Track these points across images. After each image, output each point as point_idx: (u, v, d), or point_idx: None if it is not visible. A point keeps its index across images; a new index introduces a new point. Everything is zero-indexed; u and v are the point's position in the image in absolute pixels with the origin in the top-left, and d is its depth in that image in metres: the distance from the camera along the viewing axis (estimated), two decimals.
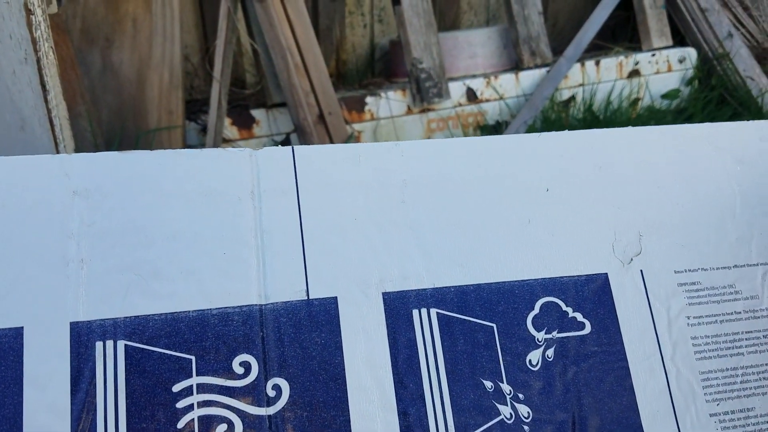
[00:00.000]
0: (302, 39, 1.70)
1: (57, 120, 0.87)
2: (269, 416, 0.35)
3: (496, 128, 1.95)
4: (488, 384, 0.38)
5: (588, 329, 0.40)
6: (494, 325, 0.39)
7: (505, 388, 0.38)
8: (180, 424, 0.34)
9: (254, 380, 0.36)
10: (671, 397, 0.39)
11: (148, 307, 0.36)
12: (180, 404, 0.35)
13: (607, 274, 0.41)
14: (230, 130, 1.78)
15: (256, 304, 0.37)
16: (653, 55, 2.12)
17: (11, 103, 1.13)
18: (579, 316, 0.40)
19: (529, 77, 1.96)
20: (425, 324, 0.39)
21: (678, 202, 0.42)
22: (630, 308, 0.40)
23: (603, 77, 2.11)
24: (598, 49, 2.13)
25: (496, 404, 0.38)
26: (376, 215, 0.40)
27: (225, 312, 0.37)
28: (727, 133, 0.44)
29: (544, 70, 1.97)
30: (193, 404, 0.35)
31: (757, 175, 0.41)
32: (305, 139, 1.77)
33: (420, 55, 1.82)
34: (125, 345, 0.35)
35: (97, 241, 0.36)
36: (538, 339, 0.39)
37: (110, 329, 0.35)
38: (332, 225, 0.40)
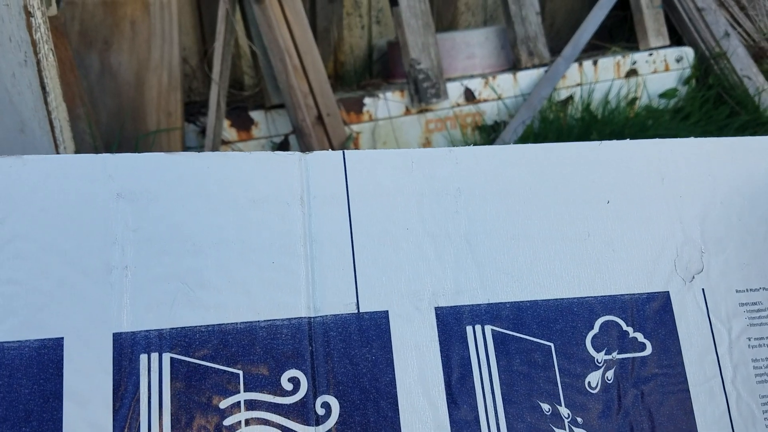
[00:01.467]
0: (300, 40, 1.70)
1: (57, 122, 0.87)
2: None
3: (495, 128, 1.95)
4: (545, 407, 0.36)
5: (649, 350, 0.38)
6: (552, 345, 0.37)
7: (563, 411, 0.36)
8: None
9: (303, 397, 0.34)
10: (731, 421, 0.37)
11: (194, 318, 0.34)
12: (227, 421, 0.33)
13: (668, 292, 0.39)
14: (229, 132, 1.78)
15: (305, 317, 0.35)
16: (650, 54, 2.13)
17: (11, 106, 1.14)
18: (640, 337, 0.38)
19: (527, 77, 1.97)
20: (479, 341, 0.37)
21: (740, 218, 0.40)
22: (691, 329, 0.38)
23: (601, 77, 2.11)
24: (595, 49, 2.14)
25: (554, 428, 0.36)
26: (429, 225, 0.38)
27: (273, 324, 0.35)
28: None
29: (542, 70, 1.97)
30: (240, 422, 0.33)
31: None
32: (304, 141, 1.77)
33: (418, 55, 1.83)
34: (171, 358, 0.33)
35: (143, 248, 0.35)
36: (597, 360, 0.38)
37: (155, 341, 0.33)
38: (383, 235, 0.38)
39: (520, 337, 0.37)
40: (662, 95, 2.21)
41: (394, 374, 0.35)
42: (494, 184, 0.39)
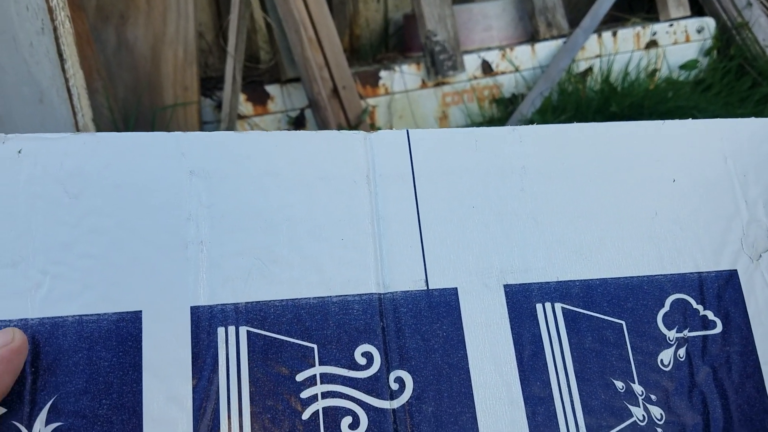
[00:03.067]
0: (316, 13, 1.69)
1: (75, 89, 0.87)
2: (393, 410, 0.34)
3: (512, 101, 1.93)
4: (619, 384, 0.36)
5: (719, 328, 0.38)
6: (623, 323, 0.37)
7: (637, 388, 0.36)
8: (305, 416, 0.33)
9: (377, 372, 0.34)
10: None
11: (269, 292, 0.35)
12: (304, 394, 0.34)
13: (736, 270, 0.39)
14: (245, 106, 1.78)
15: (375, 293, 0.36)
16: (671, 25, 2.09)
17: (29, 76, 1.14)
18: (710, 315, 0.38)
19: (545, 49, 1.94)
20: (550, 319, 0.37)
21: None
22: (760, 306, 0.39)
23: (620, 48, 2.08)
24: (614, 20, 2.11)
25: (628, 405, 0.36)
26: (495, 203, 0.38)
27: (345, 300, 0.35)
28: None
29: (560, 42, 1.95)
30: (317, 395, 0.34)
31: None
32: (320, 114, 1.77)
33: (434, 27, 1.81)
34: (247, 331, 0.34)
35: (216, 224, 0.35)
36: (669, 338, 0.38)
37: (232, 315, 0.34)
38: (450, 213, 0.38)
39: (591, 315, 0.37)
40: (683, 66, 2.18)
41: (466, 350, 0.35)
42: (559, 163, 0.39)
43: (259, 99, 1.80)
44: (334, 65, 1.74)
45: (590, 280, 0.38)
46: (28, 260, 0.32)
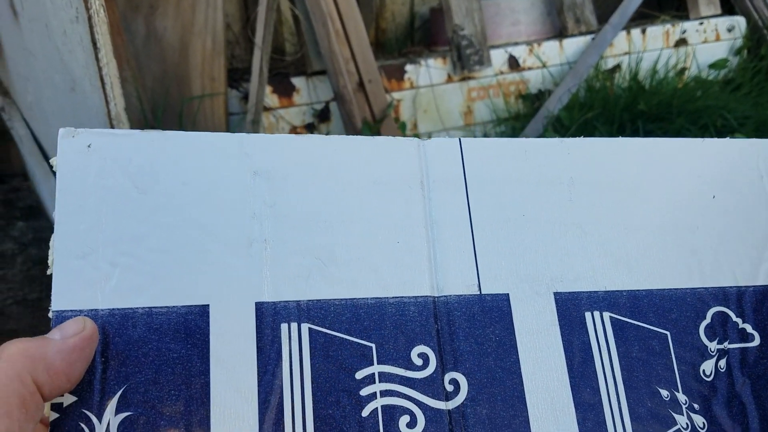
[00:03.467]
0: (343, 6, 1.69)
1: (108, 78, 0.88)
2: (449, 411, 0.35)
3: (539, 97, 1.92)
4: (664, 393, 0.37)
5: (757, 341, 0.39)
6: (668, 333, 0.39)
7: (681, 397, 0.37)
8: (365, 413, 0.34)
9: (432, 373, 0.35)
10: None
11: (329, 291, 0.35)
12: (363, 392, 0.34)
13: None
14: (271, 98, 1.79)
15: (429, 296, 0.37)
16: (701, 23, 2.06)
17: (61, 64, 1.15)
18: (748, 328, 0.40)
19: (573, 45, 1.93)
20: (599, 328, 0.38)
21: None
22: None
23: (649, 46, 2.05)
24: (644, 17, 2.08)
25: (673, 414, 0.37)
26: (544, 213, 0.40)
27: (401, 301, 0.36)
28: None
29: (588, 38, 1.93)
30: (376, 393, 0.34)
31: None
32: (345, 107, 1.77)
33: (461, 21, 1.80)
34: (309, 328, 0.35)
35: (279, 223, 0.36)
36: (710, 349, 0.39)
37: (294, 311, 0.35)
38: (501, 220, 0.39)
39: (638, 325, 0.38)
40: (712, 66, 2.15)
41: (518, 355, 0.36)
42: (605, 175, 0.41)
43: (285, 91, 1.81)
44: (360, 58, 1.74)
45: (637, 290, 0.39)
46: (98, 252, 0.33)
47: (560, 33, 1.95)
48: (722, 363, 0.39)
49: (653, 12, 2.09)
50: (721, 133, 1.83)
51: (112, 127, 0.92)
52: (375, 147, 0.38)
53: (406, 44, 2.11)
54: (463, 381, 0.35)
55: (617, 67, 1.99)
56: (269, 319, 0.34)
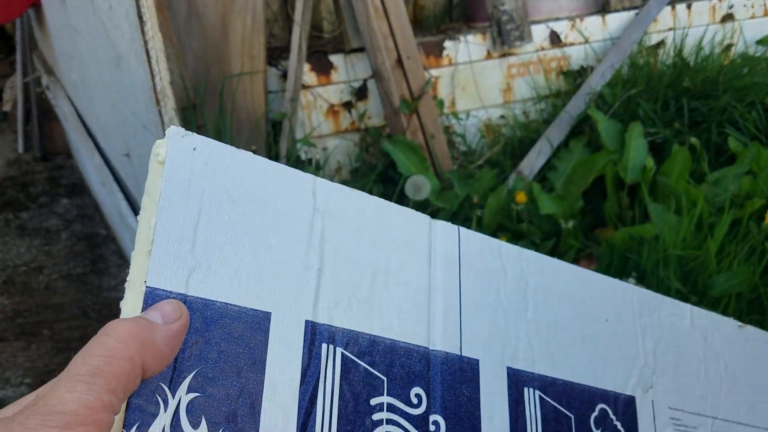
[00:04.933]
0: None
1: (153, 52, 0.89)
2: None
3: (581, 73, 1.89)
4: None
5: None
6: (572, 416, 0.50)
7: None
8: None
9: (423, 412, 0.42)
10: None
11: (359, 325, 0.42)
12: (374, 416, 0.40)
13: (634, 397, 0.54)
14: (309, 76, 1.79)
15: (427, 347, 0.44)
16: None
17: (106, 40, 1.17)
18: (619, 425, 0.52)
19: (616, 20, 1.89)
20: (532, 403, 0.48)
21: (700, 369, 0.60)
22: (644, 427, 0.54)
23: (694, 21, 2.00)
24: None
25: None
26: (507, 302, 0.50)
27: (409, 346, 0.43)
28: None
29: (632, 13, 1.88)
30: (383, 420, 0.40)
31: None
32: (383, 85, 1.76)
33: None
34: (341, 353, 0.40)
35: (330, 257, 0.42)
36: None
37: (332, 335, 0.40)
38: (479, 299, 0.48)
39: (556, 406, 0.49)
40: (760, 42, 2.08)
41: (480, 413, 0.45)
42: (554, 287, 0.54)
43: (323, 69, 1.81)
44: (399, 35, 1.73)
45: (558, 379, 0.50)
46: (195, 241, 0.36)
47: (603, 8, 1.91)
48: None
49: None
50: None
51: (157, 101, 0.93)
52: (403, 217, 0.47)
53: (444, 21, 2.09)
54: (442, 423, 0.43)
55: (661, 42, 1.94)
56: (314, 337, 0.39)
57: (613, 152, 1.67)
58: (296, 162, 1.69)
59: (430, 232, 0.48)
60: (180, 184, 0.37)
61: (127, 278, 0.34)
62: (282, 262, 0.39)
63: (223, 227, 0.37)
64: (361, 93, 1.86)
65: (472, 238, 0.50)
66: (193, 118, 1.50)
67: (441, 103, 1.89)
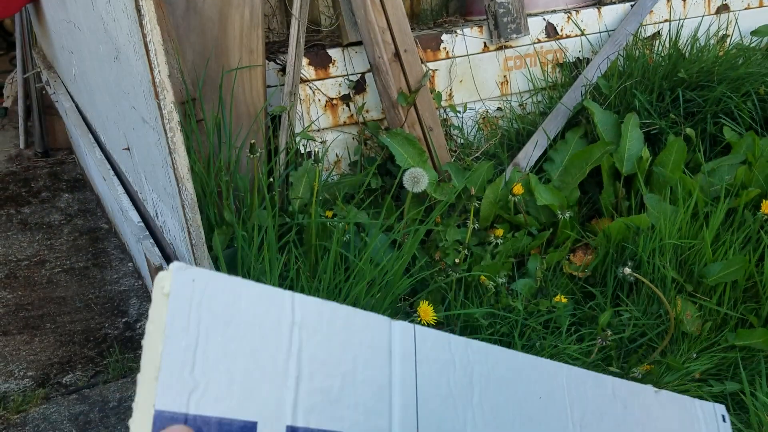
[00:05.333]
0: None
1: (152, 45, 0.90)
2: None
3: (576, 65, 1.90)
4: None
5: None
6: None
7: None
8: None
9: None
10: None
11: (332, 424, 0.48)
12: None
13: None
14: (307, 70, 1.80)
15: None
16: None
17: (105, 34, 1.18)
18: None
19: (612, 12, 1.90)
20: None
21: None
22: None
23: (690, 12, 2.01)
24: None
25: None
26: (459, 391, 0.58)
27: None
28: None
29: (628, 5, 1.89)
30: None
31: None
32: (381, 78, 1.77)
33: None
34: None
35: (307, 365, 0.48)
36: None
37: None
38: (433, 390, 0.56)
39: None
40: (754, 33, 2.09)
41: None
42: (495, 372, 0.62)
43: (321, 63, 1.82)
44: (396, 29, 1.74)
45: None
46: (194, 364, 0.41)
47: (599, 0, 1.92)
48: None
49: None
50: (764, 101, 1.79)
51: (156, 95, 0.94)
52: (368, 320, 0.54)
53: (441, 14, 2.11)
54: None
55: (657, 34, 1.95)
56: None
57: (610, 143, 1.69)
58: (296, 155, 1.70)
59: (390, 331, 0.55)
60: (182, 314, 0.41)
61: (135, 399, 0.39)
62: (267, 373, 0.45)
63: (218, 347, 0.43)
64: (359, 86, 1.87)
65: (426, 334, 0.58)
66: (192, 112, 1.51)
67: (439, 96, 1.90)
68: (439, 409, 0.56)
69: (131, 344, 1.57)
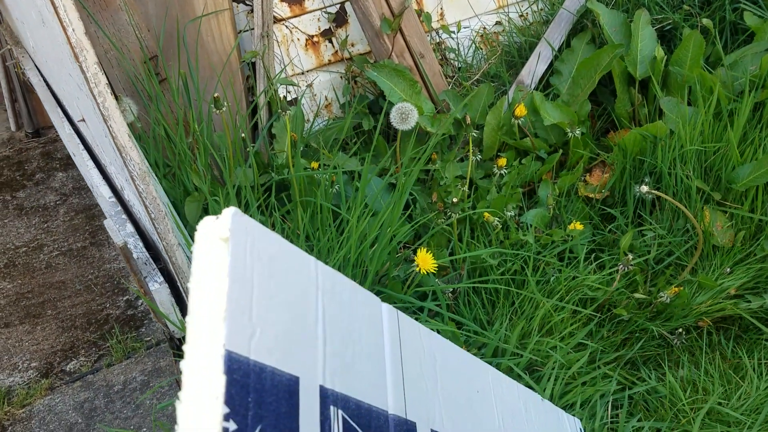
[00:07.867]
0: None
1: (59, 1, 0.78)
2: None
3: None
4: None
5: None
6: None
7: None
8: None
9: None
10: None
11: (347, 389, 0.50)
12: None
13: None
14: (280, 8, 1.65)
15: (387, 411, 0.54)
16: None
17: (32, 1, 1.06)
18: None
19: None
20: None
21: (525, 427, 0.83)
22: None
23: None
24: None
25: None
26: (428, 375, 0.63)
27: (378, 411, 0.53)
28: None
29: None
30: None
31: None
32: (360, 6, 1.62)
33: None
34: (342, 415, 0.48)
35: (329, 329, 0.50)
36: None
37: (335, 398, 0.48)
38: (413, 370, 0.59)
39: None
40: None
41: None
42: (450, 363, 0.69)
43: None
44: None
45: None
46: (252, 310, 0.42)
47: None
48: None
49: None
50: None
51: (75, 56, 0.82)
52: (365, 296, 0.57)
53: None
54: None
55: None
56: (326, 399, 0.47)
57: (619, 45, 1.52)
58: (278, 104, 1.57)
59: (381, 312, 0.58)
60: (240, 259, 0.42)
61: (188, 340, 0.37)
62: (302, 332, 0.46)
63: (265, 298, 0.43)
64: (339, 18, 1.72)
65: (405, 320, 0.62)
66: (152, 71, 1.39)
67: (428, 18, 1.74)
68: (417, 389, 0.57)
69: (133, 323, 1.51)
